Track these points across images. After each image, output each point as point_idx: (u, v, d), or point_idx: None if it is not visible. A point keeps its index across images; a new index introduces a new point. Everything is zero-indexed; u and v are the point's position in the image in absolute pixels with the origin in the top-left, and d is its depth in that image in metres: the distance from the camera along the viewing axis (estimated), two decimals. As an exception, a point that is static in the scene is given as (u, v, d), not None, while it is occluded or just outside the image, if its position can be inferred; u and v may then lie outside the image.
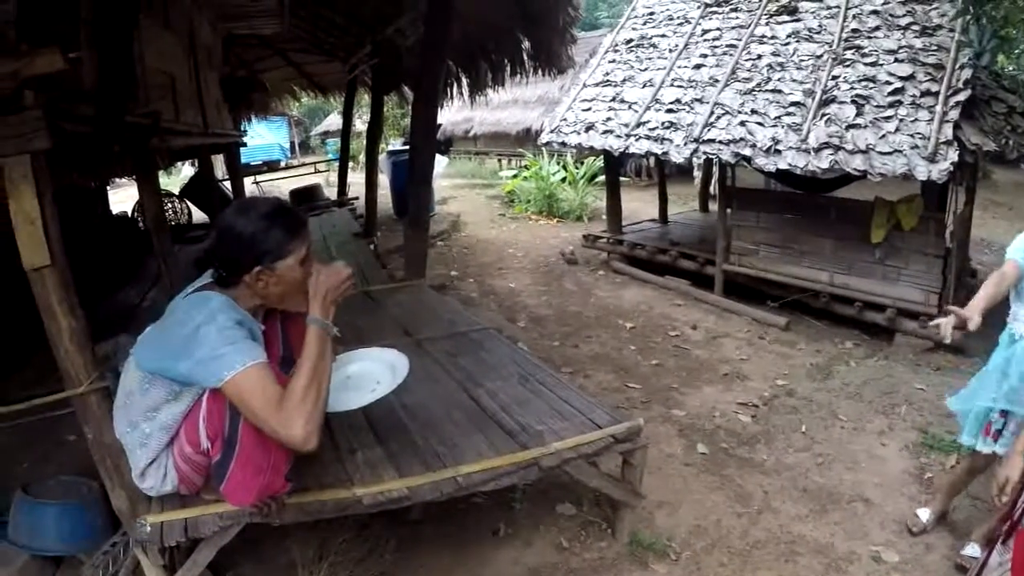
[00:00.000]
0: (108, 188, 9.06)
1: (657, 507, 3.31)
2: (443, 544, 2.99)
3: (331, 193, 12.40)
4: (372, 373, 2.70)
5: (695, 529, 3.18)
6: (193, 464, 2.21)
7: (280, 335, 2.41)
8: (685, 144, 6.31)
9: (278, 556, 2.84)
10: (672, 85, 7.12)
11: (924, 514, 3.14)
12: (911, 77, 5.37)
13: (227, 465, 2.14)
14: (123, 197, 11.31)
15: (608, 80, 8.00)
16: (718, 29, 7.36)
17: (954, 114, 4.93)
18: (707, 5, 7.74)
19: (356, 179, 12.19)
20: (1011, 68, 6.04)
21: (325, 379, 2.04)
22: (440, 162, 13.33)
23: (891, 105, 5.28)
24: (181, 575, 2.33)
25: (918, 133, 4.97)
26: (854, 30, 6.13)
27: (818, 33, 6.38)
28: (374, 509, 2.47)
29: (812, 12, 6.65)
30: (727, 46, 7.04)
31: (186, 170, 17.72)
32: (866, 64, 5.74)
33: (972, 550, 2.88)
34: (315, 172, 18.55)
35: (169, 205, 9.56)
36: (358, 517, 2.88)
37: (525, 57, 7.54)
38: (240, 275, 2.10)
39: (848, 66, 5.83)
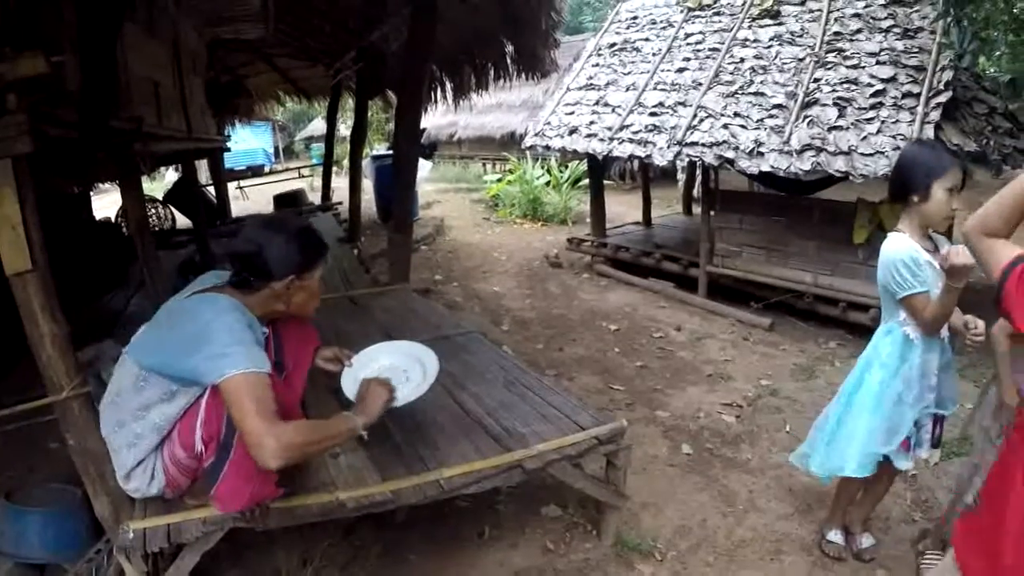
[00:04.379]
0: (92, 194, 8.97)
1: (642, 508, 3.32)
2: (428, 547, 2.98)
3: (315, 198, 12.37)
4: (399, 367, 2.75)
5: (680, 529, 3.19)
6: (182, 467, 2.20)
7: (273, 340, 2.43)
8: (668, 147, 6.34)
9: (263, 562, 2.82)
10: (655, 88, 7.16)
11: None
12: (893, 79, 5.42)
13: (220, 469, 2.15)
14: (107, 203, 11.24)
15: (592, 84, 8.03)
16: (701, 33, 7.41)
17: (935, 115, 4.98)
18: (690, 9, 7.78)
19: (340, 184, 12.18)
20: (992, 70, 6.09)
21: (321, 448, 2.21)
22: (424, 166, 13.36)
23: (873, 107, 5.33)
24: (164, 582, 2.32)
25: (900, 134, 5.01)
26: (836, 33, 6.17)
27: (800, 36, 6.43)
28: (357, 513, 2.47)
29: (794, 16, 6.70)
30: (710, 50, 7.08)
31: (170, 175, 17.63)
32: (848, 67, 5.79)
33: (835, 536, 3.00)
34: (299, 177, 18.51)
35: (153, 211, 9.49)
36: (343, 522, 2.88)
37: (508, 61, 7.55)
38: (270, 282, 2.21)
39: (830, 69, 5.88)
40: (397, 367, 2.76)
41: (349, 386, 2.60)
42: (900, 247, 2.49)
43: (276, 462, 1.93)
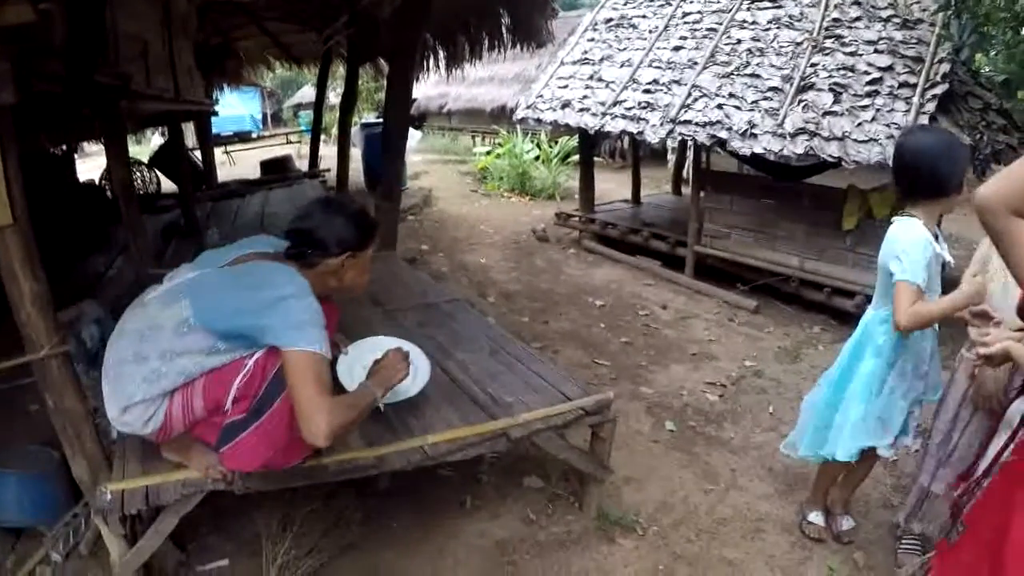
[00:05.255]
0: (76, 156, 8.84)
1: (624, 482, 3.33)
2: (410, 516, 2.98)
3: (302, 165, 12.26)
4: None
5: (662, 505, 3.20)
6: (190, 416, 2.15)
7: None
8: (661, 124, 6.30)
9: (242, 527, 2.82)
10: (650, 66, 7.10)
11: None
12: (890, 68, 5.39)
13: (243, 429, 2.14)
14: (91, 166, 11.08)
15: (586, 58, 7.95)
16: (699, 12, 7.34)
17: (931, 107, 4.96)
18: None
19: (328, 152, 12.07)
20: (987, 68, 6.08)
21: (354, 421, 2.20)
22: (413, 136, 13.24)
23: (868, 95, 5.30)
24: (142, 544, 2.30)
25: (894, 123, 5.00)
26: (835, 19, 6.12)
27: (799, 21, 6.37)
28: (340, 477, 2.46)
29: (794, 0, 6.65)
30: (707, 29, 7.02)
31: (155, 140, 17.42)
32: (845, 53, 5.74)
33: (815, 517, 3.03)
34: (287, 143, 18.37)
35: (137, 173, 9.35)
36: (324, 487, 2.87)
37: (504, 31, 7.46)
38: (327, 257, 2.27)
39: (827, 54, 5.83)
40: None
41: (343, 372, 2.64)
42: (921, 235, 2.40)
43: (325, 441, 2.03)
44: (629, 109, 6.77)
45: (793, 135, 5.35)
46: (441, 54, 8.79)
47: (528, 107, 8.00)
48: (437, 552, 2.81)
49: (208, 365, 2.11)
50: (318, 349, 2.05)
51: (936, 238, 2.49)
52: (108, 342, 2.22)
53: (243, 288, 2.14)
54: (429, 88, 17.88)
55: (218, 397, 2.13)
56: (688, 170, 8.94)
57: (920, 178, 2.44)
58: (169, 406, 2.13)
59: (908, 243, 2.40)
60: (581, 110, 7.28)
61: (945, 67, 5.13)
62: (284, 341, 2.04)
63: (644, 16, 7.92)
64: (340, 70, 12.14)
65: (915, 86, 5.13)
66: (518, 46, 7.73)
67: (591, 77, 7.60)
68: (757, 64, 6.17)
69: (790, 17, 6.46)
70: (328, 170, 10.93)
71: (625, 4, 8.37)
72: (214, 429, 2.19)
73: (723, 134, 5.78)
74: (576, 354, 4.99)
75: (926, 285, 2.40)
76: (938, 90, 5.02)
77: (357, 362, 2.65)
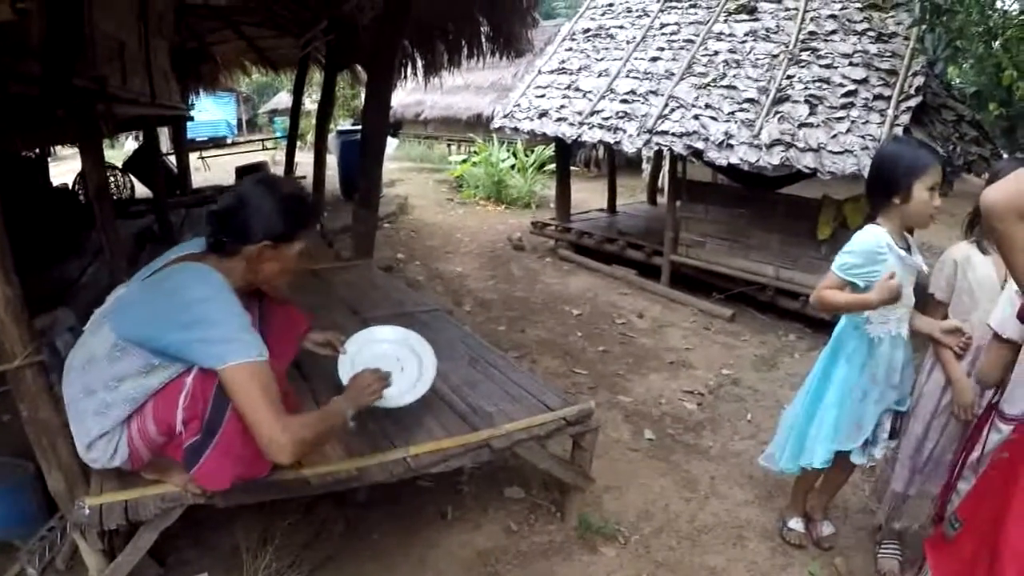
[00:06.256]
0: (48, 159, 8.71)
1: (605, 491, 3.33)
2: (391, 527, 2.96)
3: (278, 171, 12.15)
4: (392, 355, 2.76)
5: (643, 513, 3.21)
6: (150, 442, 2.09)
7: (257, 324, 2.34)
8: (638, 134, 6.34)
9: (222, 541, 2.78)
10: (628, 76, 7.15)
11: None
12: (864, 81, 5.47)
13: (204, 450, 2.05)
14: (63, 170, 10.93)
15: (564, 68, 8.00)
16: (676, 24, 7.41)
17: (905, 119, 5.04)
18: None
19: (304, 158, 11.99)
20: (959, 81, 6.18)
21: (326, 439, 2.24)
22: (389, 144, 13.21)
23: (844, 106, 5.38)
24: (121, 560, 2.25)
25: (869, 135, 5.07)
26: (811, 32, 6.20)
27: (775, 33, 6.45)
28: (321, 490, 2.43)
29: (771, 12, 6.71)
30: (684, 41, 7.09)
31: (129, 144, 17.24)
32: (821, 66, 5.82)
33: (795, 523, 3.06)
34: (262, 149, 18.24)
35: (112, 178, 9.23)
36: (304, 500, 2.84)
37: (483, 39, 7.47)
38: (244, 244, 2.10)
39: (803, 67, 5.91)
40: (390, 355, 2.80)
41: (345, 373, 2.60)
42: (869, 239, 2.46)
43: (290, 459, 1.97)
44: (606, 119, 6.81)
45: (769, 146, 5.41)
46: (419, 61, 8.78)
47: (505, 116, 8.02)
48: (419, 563, 2.79)
49: (150, 386, 2.02)
50: (253, 356, 1.94)
51: (908, 249, 2.53)
52: (63, 377, 2.14)
53: (157, 297, 2.04)
54: (405, 96, 17.86)
55: (168, 420, 2.05)
56: (663, 179, 8.98)
57: (871, 179, 2.55)
58: (128, 435, 2.06)
59: (855, 243, 2.49)
60: (558, 119, 7.32)
61: (919, 80, 5.21)
62: (214, 361, 1.93)
63: (622, 27, 7.99)
64: (317, 76, 12.08)
65: (889, 98, 5.21)
66: (496, 54, 7.74)
67: (569, 87, 7.64)
68: (734, 75, 6.24)
69: (767, 30, 6.54)
70: (304, 177, 10.86)
71: (603, 15, 8.44)
72: (180, 450, 2.12)
73: (700, 144, 5.83)
74: (553, 363, 4.99)
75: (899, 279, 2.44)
76: (912, 102, 5.10)
77: (357, 358, 2.64)
